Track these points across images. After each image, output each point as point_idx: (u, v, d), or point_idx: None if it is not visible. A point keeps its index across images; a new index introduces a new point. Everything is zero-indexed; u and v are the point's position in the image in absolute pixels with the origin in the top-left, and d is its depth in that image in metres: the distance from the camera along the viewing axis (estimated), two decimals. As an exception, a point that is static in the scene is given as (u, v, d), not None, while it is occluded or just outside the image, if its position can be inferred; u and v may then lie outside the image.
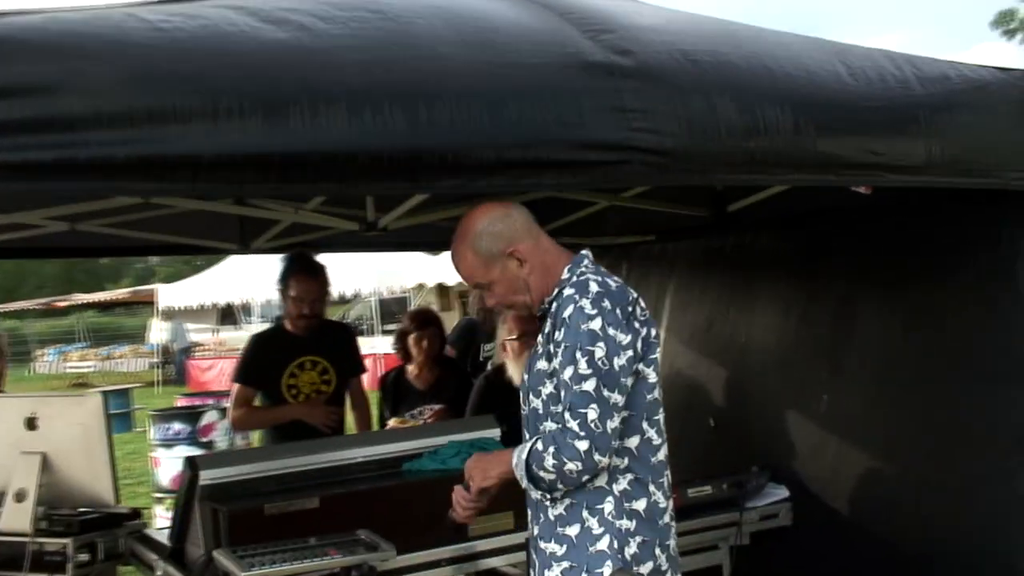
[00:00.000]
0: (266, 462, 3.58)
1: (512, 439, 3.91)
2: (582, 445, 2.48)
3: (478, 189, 2.71)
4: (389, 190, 2.61)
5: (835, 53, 3.35)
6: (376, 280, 18.45)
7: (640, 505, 2.61)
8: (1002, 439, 3.81)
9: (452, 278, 18.68)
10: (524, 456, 2.59)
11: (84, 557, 3.84)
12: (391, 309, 20.28)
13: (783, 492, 4.55)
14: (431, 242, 6.22)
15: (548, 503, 2.66)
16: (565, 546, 2.62)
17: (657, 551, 2.61)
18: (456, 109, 2.61)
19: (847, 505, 4.29)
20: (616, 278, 2.71)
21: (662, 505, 2.64)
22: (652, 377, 2.67)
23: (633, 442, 2.61)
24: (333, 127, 2.46)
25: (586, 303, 2.58)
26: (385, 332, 18.21)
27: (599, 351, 2.53)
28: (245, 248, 5.54)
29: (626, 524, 2.59)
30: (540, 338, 2.75)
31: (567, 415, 2.51)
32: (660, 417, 2.69)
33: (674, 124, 2.91)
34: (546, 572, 2.64)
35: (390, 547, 3.04)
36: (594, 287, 2.63)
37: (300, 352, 4.90)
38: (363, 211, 4.54)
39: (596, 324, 2.56)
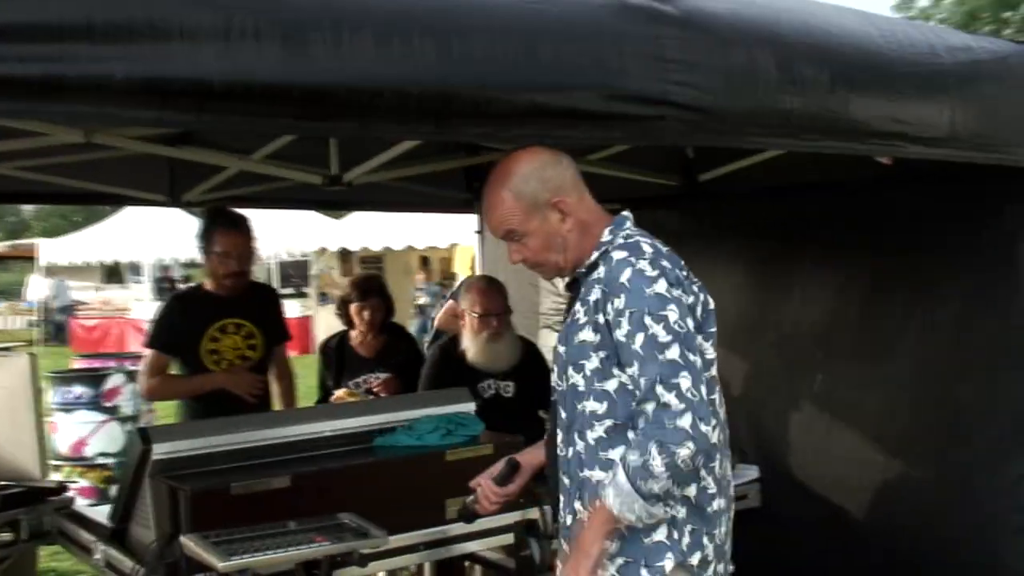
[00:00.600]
0: (225, 435, 3.23)
1: (495, 417, 3.67)
2: (686, 421, 2.18)
3: (505, 139, 2.41)
4: (411, 134, 2.29)
5: (864, 17, 3.16)
6: (275, 242, 17.82)
7: (690, 491, 2.36)
8: (999, 421, 3.72)
9: (355, 242, 18.24)
10: (624, 482, 2.22)
11: (6, 536, 3.46)
12: (289, 272, 19.71)
13: (753, 472, 4.42)
14: (396, 202, 5.84)
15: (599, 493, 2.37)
16: (616, 541, 2.35)
17: (705, 540, 2.37)
18: (490, 44, 2.33)
19: (835, 489, 4.18)
20: (660, 242, 2.45)
21: (711, 491, 2.40)
22: (709, 352, 2.42)
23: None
24: (358, 57, 2.15)
25: (645, 265, 2.32)
26: (282, 296, 17.62)
27: (672, 314, 2.26)
28: (174, 200, 5.11)
29: (679, 512, 2.34)
30: (579, 307, 2.46)
31: (659, 388, 2.20)
32: (716, 396, 2.43)
33: (714, 80, 2.69)
34: (600, 572, 2.37)
35: (381, 532, 2.74)
36: (647, 248, 2.37)
37: (223, 314, 4.46)
38: (321, 167, 4.18)
39: (661, 286, 2.29)
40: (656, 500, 2.23)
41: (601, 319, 2.34)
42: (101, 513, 3.50)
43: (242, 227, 4.38)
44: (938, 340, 4.00)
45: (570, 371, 2.48)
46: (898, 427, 4.09)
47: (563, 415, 2.52)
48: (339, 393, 4.70)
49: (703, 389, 2.24)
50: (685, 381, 2.21)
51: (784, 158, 4.14)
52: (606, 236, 2.47)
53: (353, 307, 4.93)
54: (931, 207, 4.10)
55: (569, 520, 2.50)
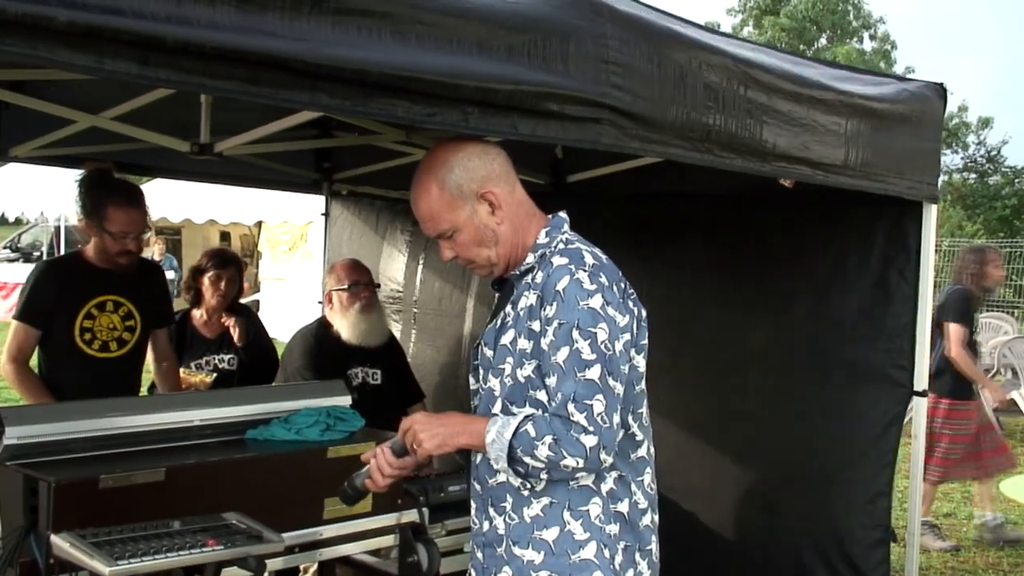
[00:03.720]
0: (86, 420, 2.94)
1: (363, 408, 3.51)
2: (589, 441, 2.15)
3: (429, 124, 2.28)
4: (351, 110, 2.13)
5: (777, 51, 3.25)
6: (62, 204, 16.69)
7: (623, 507, 2.31)
8: (858, 440, 3.88)
9: (154, 212, 17.31)
10: (508, 437, 2.20)
11: None
12: (75, 238, 18.48)
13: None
14: (249, 178, 5.53)
15: (525, 500, 2.30)
16: (543, 553, 2.27)
17: (638, 557, 2.33)
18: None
19: (688, 497, 4.25)
20: (600, 251, 2.39)
21: (642, 506, 2.36)
22: (641, 366, 2.37)
23: (618, 437, 2.30)
24: (314, 30, 1.99)
25: (583, 276, 2.24)
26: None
27: (601, 333, 2.20)
28: (1, 154, 4.66)
29: (612, 528, 2.29)
30: (508, 309, 2.37)
31: (571, 407, 2.16)
32: (644, 410, 2.40)
33: (648, 87, 2.66)
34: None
35: (276, 535, 2.56)
36: (589, 259, 2.29)
37: (101, 289, 4.04)
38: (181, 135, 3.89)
39: (596, 302, 2.22)
40: (519, 468, 2.21)
41: (536, 326, 2.26)
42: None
43: (140, 201, 3.98)
44: (798, 353, 4.14)
45: (489, 375, 2.39)
46: (754, 441, 4.22)
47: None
48: (182, 374, 4.44)
49: (615, 417, 2.21)
50: (599, 405, 2.17)
51: (652, 166, 4.20)
52: (543, 238, 2.38)
53: (209, 276, 4.67)
54: (792, 226, 4.26)
55: (486, 527, 2.41)
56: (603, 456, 2.17)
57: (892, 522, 4.00)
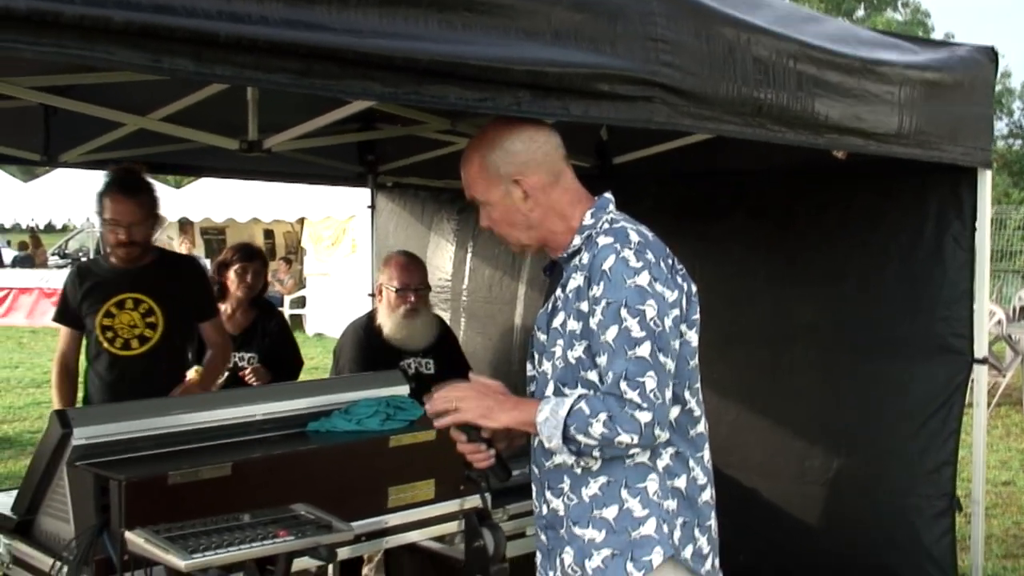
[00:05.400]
0: (150, 419, 2.97)
1: (419, 397, 3.51)
2: (644, 417, 2.14)
3: (483, 109, 2.28)
4: (407, 98, 2.14)
5: (826, 19, 3.20)
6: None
7: (681, 483, 2.31)
8: (920, 411, 3.84)
9: (196, 213, 17.53)
10: (563, 415, 2.20)
11: None
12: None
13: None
14: (295, 173, 5.57)
15: (583, 481, 2.30)
16: (604, 531, 2.28)
17: (697, 533, 2.33)
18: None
19: (748, 473, 4.23)
20: (646, 229, 2.38)
21: (701, 482, 2.36)
22: (694, 341, 2.36)
23: (673, 413, 2.29)
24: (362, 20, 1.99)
25: (629, 254, 2.23)
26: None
27: (650, 310, 2.20)
28: (49, 160, 4.71)
29: (670, 504, 2.29)
30: (559, 291, 2.37)
31: (623, 385, 2.16)
32: (699, 385, 2.39)
33: (699, 64, 2.63)
34: (586, 562, 2.29)
35: (345, 525, 2.58)
36: (634, 236, 2.28)
37: (119, 288, 4.14)
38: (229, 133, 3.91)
39: (643, 279, 2.21)
40: (573, 447, 2.20)
41: (585, 307, 2.26)
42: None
43: (136, 193, 4.05)
44: (853, 326, 4.10)
45: (543, 359, 2.40)
46: (811, 416, 4.19)
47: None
48: (191, 374, 4.43)
49: (668, 393, 2.20)
50: (651, 381, 2.16)
51: (698, 145, 4.17)
52: (588, 220, 2.38)
53: (234, 270, 4.69)
54: (843, 199, 4.22)
55: (546, 509, 2.42)
56: (657, 432, 2.17)
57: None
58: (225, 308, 4.75)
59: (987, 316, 3.93)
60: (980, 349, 3.87)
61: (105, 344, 4.12)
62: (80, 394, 4.29)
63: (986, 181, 3.83)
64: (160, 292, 4.18)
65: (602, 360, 2.21)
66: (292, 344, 4.91)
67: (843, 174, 4.01)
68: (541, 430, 2.23)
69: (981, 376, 3.92)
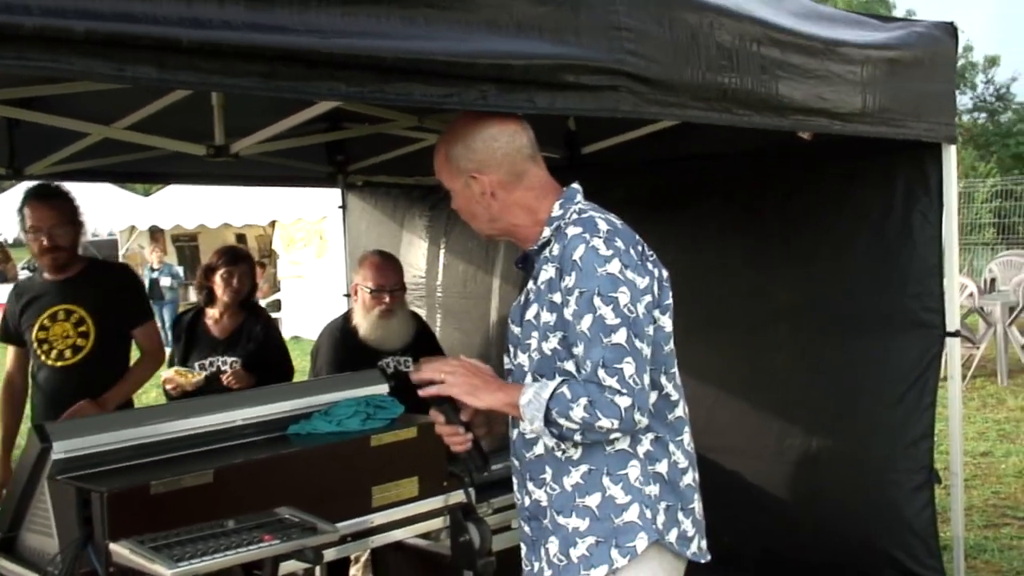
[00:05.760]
0: (130, 428, 2.96)
1: (399, 395, 3.52)
2: (623, 402, 2.16)
3: (460, 104, 2.29)
4: (373, 96, 2.14)
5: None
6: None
7: (662, 467, 2.32)
8: (895, 387, 3.88)
9: (167, 220, 17.42)
10: (545, 398, 2.21)
11: None
12: (97, 252, 18.59)
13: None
14: (265, 177, 5.55)
15: (564, 470, 2.32)
16: (587, 519, 2.29)
17: (681, 516, 2.34)
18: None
19: (726, 455, 4.26)
20: (614, 217, 2.39)
21: (682, 465, 2.37)
22: (668, 326, 2.37)
23: (651, 398, 2.31)
24: (325, 20, 1.99)
25: (599, 243, 2.24)
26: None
27: (623, 297, 2.21)
28: (15, 173, 4.67)
29: (652, 489, 2.30)
30: (531, 284, 2.38)
31: (601, 372, 2.17)
32: (676, 370, 2.41)
33: (663, 51, 2.65)
34: (571, 551, 2.30)
35: (330, 526, 2.58)
36: (603, 225, 2.29)
37: (52, 301, 4.17)
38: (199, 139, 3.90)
39: (614, 267, 2.23)
40: (555, 430, 2.22)
41: (557, 298, 2.27)
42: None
43: (52, 198, 4.10)
44: (826, 306, 4.14)
45: (518, 352, 2.41)
46: (789, 396, 4.22)
47: None
48: (166, 374, 4.42)
49: (646, 378, 2.21)
50: (629, 367, 2.18)
51: (667, 131, 4.20)
52: (556, 211, 2.39)
53: (220, 274, 4.65)
54: (812, 179, 4.25)
55: (527, 501, 2.43)
56: (637, 416, 2.18)
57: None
58: (213, 313, 4.71)
59: (958, 290, 3.96)
60: (952, 323, 3.91)
61: (42, 357, 4.16)
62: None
63: (951, 156, 3.87)
64: (90, 301, 4.19)
65: (579, 350, 2.23)
66: (279, 349, 4.84)
67: (810, 155, 4.05)
68: (524, 412, 2.24)
69: (954, 349, 3.96)
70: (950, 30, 3.76)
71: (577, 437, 2.24)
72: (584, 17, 2.48)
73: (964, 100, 32.34)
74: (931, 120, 3.61)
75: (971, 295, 10.69)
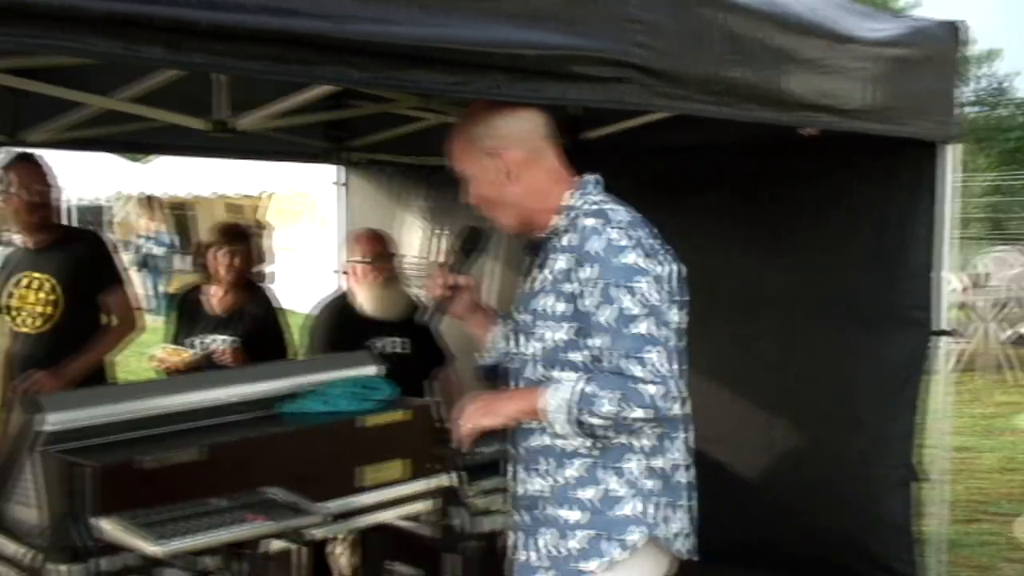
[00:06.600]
0: (122, 403, 2.95)
1: (393, 377, 3.52)
2: (653, 391, 2.14)
3: (462, 93, 2.29)
4: (382, 82, 2.15)
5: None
6: (70, 185, 16.62)
7: (661, 463, 2.33)
8: (882, 381, 3.90)
9: (160, 188, 17.31)
10: (571, 398, 2.20)
11: None
12: (86, 218, 18.45)
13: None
14: (279, 152, 5.52)
15: (562, 461, 2.32)
16: (582, 512, 2.30)
17: (678, 513, 2.36)
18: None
19: (716, 444, 4.26)
20: (630, 208, 2.39)
21: (680, 462, 2.38)
22: (682, 322, 2.37)
23: (682, 385, 2.30)
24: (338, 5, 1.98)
25: (614, 233, 2.25)
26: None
27: (643, 286, 2.20)
28: (12, 138, 4.63)
29: (650, 484, 2.31)
30: (542, 273, 2.38)
31: (626, 363, 2.16)
32: (685, 367, 2.40)
33: (672, 43, 2.64)
34: (566, 543, 2.31)
35: (318, 508, 2.59)
36: (619, 216, 2.30)
37: (20, 267, 4.22)
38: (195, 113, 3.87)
39: (632, 257, 2.22)
40: (585, 430, 2.22)
41: (569, 288, 2.27)
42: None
43: (32, 159, 4.17)
44: (820, 299, 4.15)
45: (526, 339, 2.40)
46: (780, 388, 4.24)
47: (518, 385, 2.43)
48: (159, 352, 4.41)
49: (674, 365, 2.20)
50: (654, 355, 2.17)
51: (670, 120, 4.18)
52: (569, 200, 2.39)
53: (218, 253, 4.60)
54: (813, 173, 4.26)
55: (523, 490, 2.44)
56: (666, 404, 2.16)
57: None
58: (213, 289, 4.68)
59: (947, 287, 3.98)
60: (941, 321, 3.93)
61: (13, 324, 4.20)
62: None
63: (948, 156, 3.88)
64: (58, 268, 4.20)
65: (601, 341, 2.22)
66: (276, 329, 4.78)
67: (813, 148, 4.05)
68: (550, 418, 2.24)
69: (941, 347, 3.98)
70: (952, 29, 3.76)
71: (610, 433, 2.23)
72: (596, 8, 2.47)
73: (964, 93, 32.23)
74: (932, 119, 3.62)
75: (963, 290, 10.73)
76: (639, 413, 2.15)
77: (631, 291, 2.19)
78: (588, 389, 2.18)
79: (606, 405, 2.16)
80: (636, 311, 2.18)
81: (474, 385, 4.77)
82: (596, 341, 2.22)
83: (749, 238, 4.44)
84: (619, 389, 2.15)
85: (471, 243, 2.48)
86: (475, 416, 2.36)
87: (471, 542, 2.99)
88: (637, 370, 2.15)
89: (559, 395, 2.22)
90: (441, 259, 5.57)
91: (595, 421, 2.18)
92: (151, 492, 2.64)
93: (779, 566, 4.22)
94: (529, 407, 2.28)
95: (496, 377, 2.56)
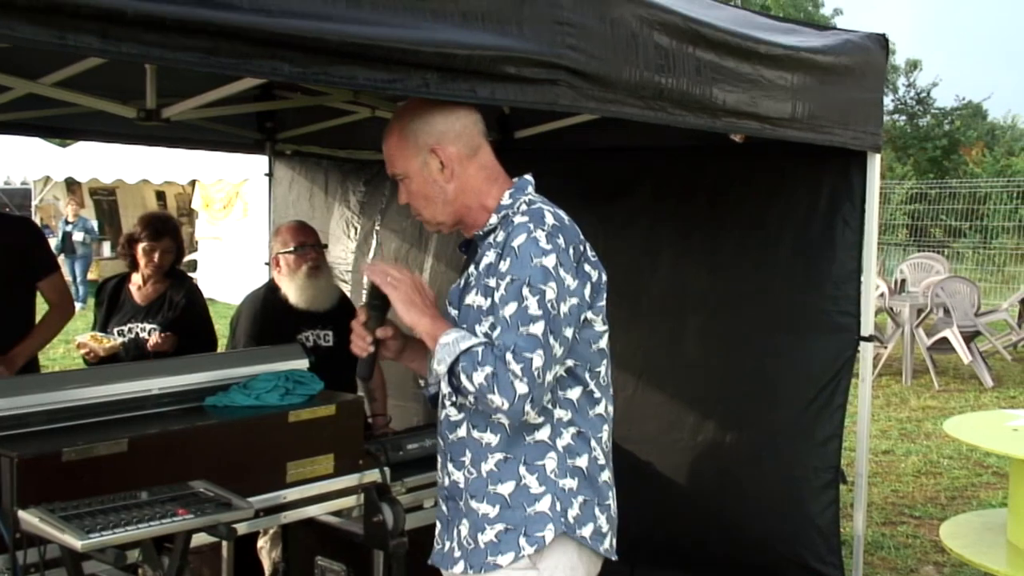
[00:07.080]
0: (44, 393, 2.91)
1: (317, 371, 3.51)
2: (521, 388, 2.18)
3: (403, 91, 2.29)
4: (326, 78, 2.13)
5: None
6: (-4, 169, 16.26)
7: (582, 462, 2.36)
8: (807, 386, 3.98)
9: (84, 173, 16.97)
10: (460, 349, 2.24)
11: None
12: (4, 202, 18.04)
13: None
14: (207, 141, 5.44)
15: (483, 455, 2.35)
16: (498, 506, 2.33)
17: (597, 511, 2.38)
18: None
19: (643, 444, 4.33)
20: (563, 213, 2.42)
21: (601, 462, 2.41)
22: (599, 325, 2.41)
23: (575, 394, 2.36)
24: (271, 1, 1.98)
25: (541, 235, 2.28)
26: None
27: (550, 292, 2.24)
28: (-67, 124, 4.53)
29: (569, 483, 2.34)
30: (472, 268, 2.40)
31: (509, 356, 2.19)
32: (602, 369, 2.44)
33: (602, 47, 2.68)
34: (479, 536, 2.33)
35: (245, 502, 2.57)
36: (550, 219, 2.32)
37: None
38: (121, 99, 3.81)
39: (550, 261, 2.26)
40: (454, 381, 2.26)
41: (492, 283, 2.30)
42: None
43: None
44: (748, 302, 4.23)
45: None
46: (707, 389, 4.30)
47: None
48: (81, 339, 4.36)
49: (548, 375, 2.24)
50: (537, 359, 2.20)
51: (600, 121, 4.22)
52: (506, 200, 2.42)
53: (142, 246, 4.57)
54: (742, 178, 4.33)
55: (447, 481, 2.46)
56: (527, 408, 2.20)
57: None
58: (137, 279, 4.64)
59: (874, 293, 4.08)
60: (867, 327, 4.02)
61: None
62: None
63: (875, 164, 3.98)
64: None
65: (496, 332, 2.25)
66: (201, 318, 4.75)
67: (742, 153, 4.12)
68: (437, 349, 2.28)
69: (867, 352, 4.08)
70: (881, 42, 3.86)
71: (470, 399, 2.29)
72: (528, 10, 2.49)
73: (886, 102, 32.95)
74: (858, 129, 3.70)
75: (882, 295, 10.97)
76: (498, 401, 2.19)
77: (538, 293, 2.23)
78: (477, 351, 2.22)
79: (479, 375, 2.20)
80: (536, 312, 2.22)
81: (408, 377, 4.78)
82: (494, 332, 2.25)
83: (678, 240, 4.50)
84: (496, 370, 2.19)
85: (379, 298, 2.45)
86: (399, 293, 2.36)
87: (399, 539, 2.99)
88: (515, 366, 2.19)
89: (456, 341, 2.26)
90: (371, 260, 5.58)
91: (464, 382, 2.23)
92: (76, 484, 2.61)
93: (705, 568, 4.28)
94: (435, 333, 2.30)
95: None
